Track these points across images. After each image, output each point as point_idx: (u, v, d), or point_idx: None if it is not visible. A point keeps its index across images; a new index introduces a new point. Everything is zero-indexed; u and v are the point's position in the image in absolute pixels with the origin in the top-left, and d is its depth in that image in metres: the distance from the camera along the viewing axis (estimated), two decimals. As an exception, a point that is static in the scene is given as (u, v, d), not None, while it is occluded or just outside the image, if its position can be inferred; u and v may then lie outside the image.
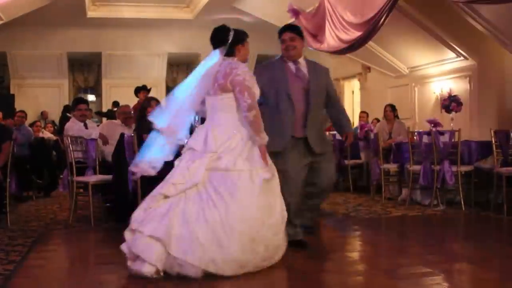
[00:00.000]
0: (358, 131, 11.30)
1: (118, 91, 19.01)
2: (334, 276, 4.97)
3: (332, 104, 6.30)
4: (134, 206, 7.43)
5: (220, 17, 16.21)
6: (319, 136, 6.11)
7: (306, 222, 6.38)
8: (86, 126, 8.93)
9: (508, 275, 5.02)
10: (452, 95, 10.04)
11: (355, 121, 15.17)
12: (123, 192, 7.53)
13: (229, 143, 5.01)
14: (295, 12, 12.04)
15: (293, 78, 6.02)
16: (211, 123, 5.18)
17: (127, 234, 4.97)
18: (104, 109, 19.69)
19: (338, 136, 9.95)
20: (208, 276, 4.63)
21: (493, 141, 8.61)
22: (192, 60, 20.51)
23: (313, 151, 5.99)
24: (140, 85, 13.19)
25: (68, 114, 15.23)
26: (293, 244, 5.68)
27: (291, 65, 6.08)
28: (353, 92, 18.88)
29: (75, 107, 9.20)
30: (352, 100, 18.90)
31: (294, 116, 5.92)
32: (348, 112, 11.75)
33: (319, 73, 6.16)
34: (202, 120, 5.64)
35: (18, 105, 16.96)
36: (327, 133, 10.61)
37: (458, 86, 12.26)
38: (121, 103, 13.19)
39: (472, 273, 5.14)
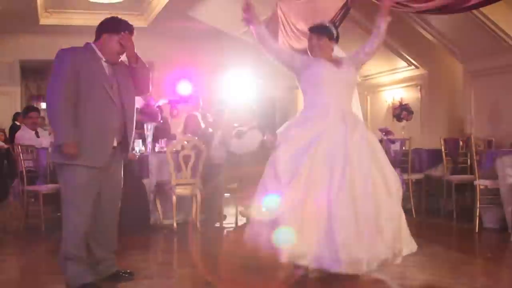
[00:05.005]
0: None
1: (71, 99, 18.69)
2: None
3: None
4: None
5: (174, 25, 16.20)
6: None
7: None
8: (37, 134, 8.83)
9: (458, 280, 5.10)
10: (403, 103, 10.18)
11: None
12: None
13: None
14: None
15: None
16: None
17: None
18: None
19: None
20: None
21: (443, 149, 8.76)
22: (146, 68, 20.35)
23: None
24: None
25: (16, 123, 15.06)
26: None
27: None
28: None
29: (26, 115, 9.10)
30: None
31: None
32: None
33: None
34: None
35: (-31, 115, 16.70)
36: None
37: (409, 95, 12.40)
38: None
39: (423, 279, 5.22)
